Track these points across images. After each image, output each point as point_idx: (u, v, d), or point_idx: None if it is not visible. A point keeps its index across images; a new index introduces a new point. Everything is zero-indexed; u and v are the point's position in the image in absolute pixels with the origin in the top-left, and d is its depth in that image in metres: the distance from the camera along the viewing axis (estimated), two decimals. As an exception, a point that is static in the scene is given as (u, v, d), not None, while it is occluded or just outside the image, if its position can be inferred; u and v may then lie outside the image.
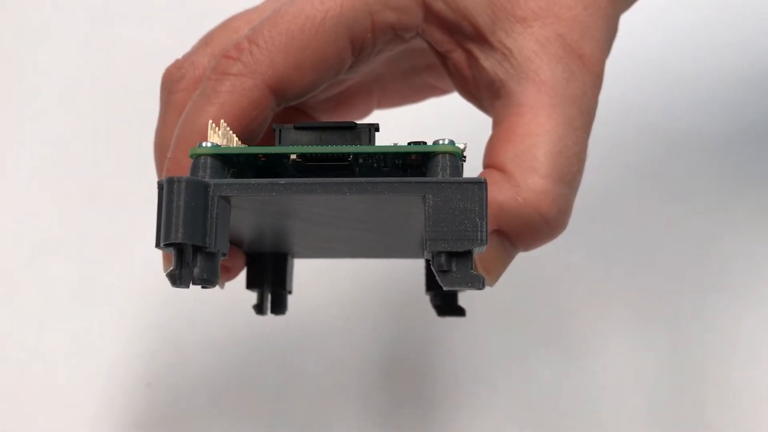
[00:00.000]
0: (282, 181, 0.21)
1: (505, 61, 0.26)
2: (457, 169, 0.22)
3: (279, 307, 0.32)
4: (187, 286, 0.22)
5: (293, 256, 0.32)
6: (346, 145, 0.22)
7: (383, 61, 0.31)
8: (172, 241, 0.21)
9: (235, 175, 0.23)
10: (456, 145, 0.22)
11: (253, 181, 0.21)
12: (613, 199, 0.44)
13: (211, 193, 0.21)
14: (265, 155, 0.22)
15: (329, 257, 0.35)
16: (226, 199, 0.22)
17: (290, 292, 0.32)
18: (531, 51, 0.26)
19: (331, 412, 0.40)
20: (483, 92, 0.28)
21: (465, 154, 0.23)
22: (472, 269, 0.21)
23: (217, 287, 0.30)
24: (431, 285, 0.32)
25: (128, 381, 0.40)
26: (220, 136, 0.23)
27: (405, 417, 0.40)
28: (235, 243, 0.30)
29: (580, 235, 0.42)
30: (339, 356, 0.41)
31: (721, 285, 0.42)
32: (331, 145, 0.22)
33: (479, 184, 0.21)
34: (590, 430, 0.39)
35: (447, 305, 0.31)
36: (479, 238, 0.21)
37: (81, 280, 0.43)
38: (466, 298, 0.33)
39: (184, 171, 0.24)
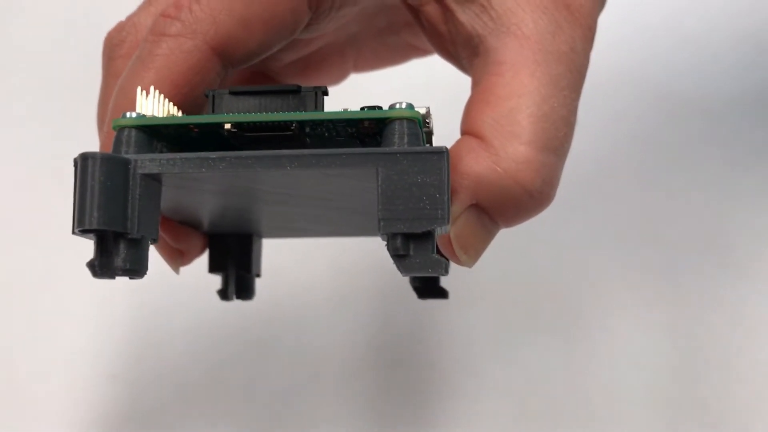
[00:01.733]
0: (213, 155, 0.18)
1: (484, 13, 0.23)
2: (417, 138, 0.19)
3: (245, 292, 0.29)
4: (111, 277, 0.19)
5: (260, 237, 0.30)
6: (289, 111, 0.20)
7: (356, 19, 0.28)
8: (87, 228, 0.18)
9: (168, 151, 0.21)
10: (415, 109, 0.19)
11: (179, 155, 0.18)
12: (608, 170, 0.41)
13: (132, 171, 0.19)
14: (197, 126, 0.20)
15: (298, 237, 0.32)
16: (153, 178, 0.19)
17: (258, 276, 0.30)
18: (512, 1, 0.23)
19: (309, 405, 0.38)
20: (460, 50, 0.25)
21: (429, 120, 0.20)
22: (433, 253, 0.18)
23: (173, 272, 0.28)
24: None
25: (91, 373, 0.38)
26: (150, 106, 0.20)
27: (387, 408, 0.38)
28: (192, 224, 0.27)
29: (572, 210, 0.39)
30: (316, 345, 0.39)
31: (726, 261, 0.39)
32: (273, 112, 0.19)
33: (439, 153, 0.18)
34: (583, 421, 0.37)
35: (428, 287, 0.29)
36: (440, 216, 0.18)
37: (43, 268, 0.41)
38: (448, 279, 0.30)
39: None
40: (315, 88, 0.20)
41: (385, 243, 0.18)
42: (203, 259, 0.29)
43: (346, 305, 0.39)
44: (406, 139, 0.19)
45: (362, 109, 0.19)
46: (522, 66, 0.23)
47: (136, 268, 0.19)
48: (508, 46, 0.23)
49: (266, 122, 0.19)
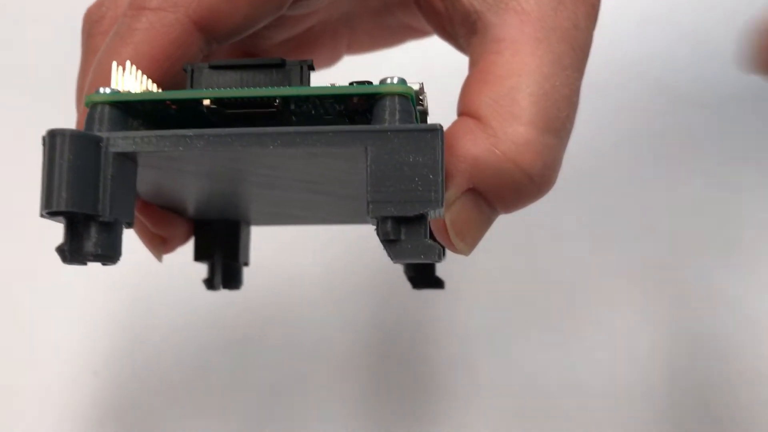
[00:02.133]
0: (190, 132, 0.17)
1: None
2: (409, 115, 0.18)
3: (232, 281, 0.28)
4: (82, 263, 0.18)
5: (248, 224, 0.29)
6: (273, 86, 0.18)
7: None
8: (54, 209, 0.17)
9: (145, 129, 0.19)
10: (408, 85, 0.18)
11: (153, 133, 0.17)
12: (609, 159, 0.40)
13: (104, 150, 0.17)
14: (174, 102, 0.18)
15: (288, 224, 0.31)
16: (127, 157, 0.18)
17: (246, 264, 0.28)
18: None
19: (298, 403, 0.36)
20: (458, 28, 0.24)
21: (423, 97, 0.19)
22: (426, 238, 0.17)
23: (156, 261, 0.27)
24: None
25: (72, 368, 0.37)
26: (127, 82, 0.19)
27: (377, 405, 0.37)
28: (175, 209, 0.26)
29: (571, 200, 0.38)
30: (305, 340, 0.37)
31: (728, 256, 0.38)
32: (256, 87, 0.18)
33: (433, 131, 0.17)
34: (580, 419, 0.35)
35: (423, 276, 0.28)
36: (433, 198, 0.17)
37: (22, 259, 0.40)
38: (442, 269, 0.29)
39: None
40: (300, 61, 0.18)
41: (375, 227, 0.17)
42: (189, 252, 0.28)
43: (336, 298, 0.38)
44: (397, 116, 0.17)
45: (351, 84, 0.18)
46: (522, 43, 0.22)
47: (109, 254, 0.18)
48: (508, 23, 0.22)
49: (248, 98, 0.18)
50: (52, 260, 0.42)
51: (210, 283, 0.28)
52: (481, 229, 0.23)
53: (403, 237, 0.17)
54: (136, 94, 0.19)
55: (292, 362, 0.37)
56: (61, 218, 0.18)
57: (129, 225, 0.18)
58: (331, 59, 0.30)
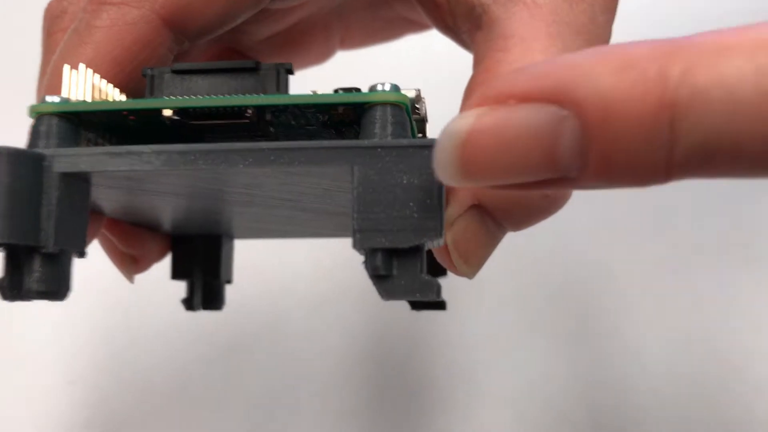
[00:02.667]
0: (147, 148, 0.15)
1: None
2: (403, 127, 0.15)
3: (213, 301, 0.26)
4: (24, 299, 0.15)
5: (232, 238, 0.26)
6: (245, 94, 0.16)
7: None
8: None
9: (103, 144, 0.17)
10: (402, 92, 0.15)
11: (103, 150, 0.15)
12: None
13: (47, 170, 0.15)
14: (132, 112, 0.16)
15: (272, 238, 0.29)
16: (77, 177, 0.15)
17: (229, 282, 0.26)
18: None
19: (286, 413, 0.34)
20: (461, 22, 0.22)
21: (420, 105, 0.17)
22: (422, 273, 0.15)
23: (128, 282, 0.24)
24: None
25: (48, 379, 0.34)
26: (80, 88, 0.17)
27: (373, 417, 0.34)
28: (148, 225, 0.23)
29: (579, 201, 0.35)
30: (296, 348, 0.35)
31: (745, 259, 0.35)
32: (226, 94, 0.16)
33: (430, 148, 0.14)
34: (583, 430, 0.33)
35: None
36: (432, 227, 0.14)
37: None
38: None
39: None
40: (277, 65, 0.16)
41: (363, 260, 0.15)
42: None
43: (330, 303, 0.36)
44: (389, 130, 0.15)
45: (336, 91, 0.16)
46: (533, 40, 0.19)
47: (54, 290, 0.15)
48: (517, 17, 0.20)
49: (215, 107, 0.15)
50: None
51: (189, 304, 0.25)
52: (488, 250, 0.20)
53: (395, 272, 0.15)
54: (87, 103, 0.16)
55: (283, 370, 0.35)
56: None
57: (81, 255, 0.16)
58: (323, 55, 0.27)
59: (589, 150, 0.13)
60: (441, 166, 0.13)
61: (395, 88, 0.15)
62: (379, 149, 0.14)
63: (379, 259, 0.14)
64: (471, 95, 0.19)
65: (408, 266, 0.15)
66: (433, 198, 0.14)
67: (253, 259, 0.31)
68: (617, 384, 0.34)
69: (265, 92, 0.16)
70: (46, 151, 0.15)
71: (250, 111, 0.15)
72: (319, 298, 0.36)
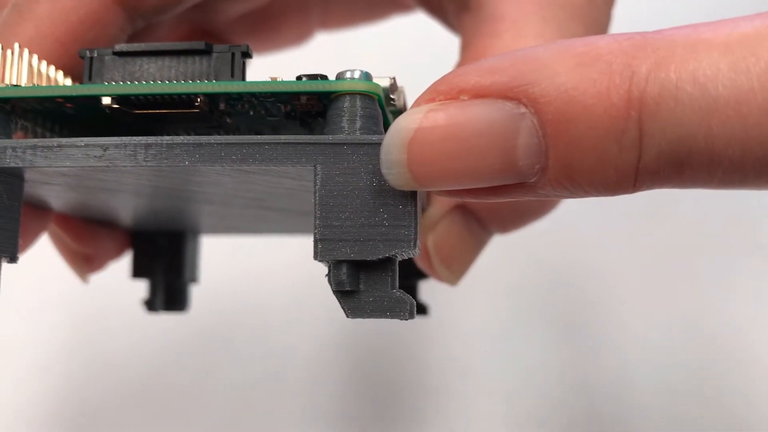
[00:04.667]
0: (80, 141, 0.13)
1: None
2: (374, 121, 0.13)
3: (176, 302, 0.24)
4: None
5: (197, 234, 0.24)
6: (196, 80, 0.14)
7: None
8: None
9: (36, 135, 0.15)
10: (374, 80, 0.13)
11: (26, 142, 0.13)
12: None
13: None
14: (67, 99, 0.14)
15: (240, 234, 0.27)
16: (7, 173, 0.13)
17: (194, 281, 0.24)
18: None
19: (267, 402, 0.32)
20: (447, 2, 0.20)
21: (396, 96, 0.15)
22: (393, 289, 0.13)
23: (82, 281, 0.23)
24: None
25: (22, 368, 0.33)
26: (14, 71, 0.15)
27: (367, 410, 0.33)
28: (104, 221, 0.21)
29: None
30: (281, 339, 0.33)
31: (749, 247, 0.34)
32: (173, 80, 0.14)
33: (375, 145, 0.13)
34: (586, 425, 0.32)
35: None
36: (404, 236, 0.12)
37: None
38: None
39: None
40: (231, 47, 0.14)
41: (326, 273, 0.13)
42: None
43: (318, 298, 0.34)
44: (358, 123, 0.13)
45: (299, 78, 0.14)
46: (525, 23, 0.18)
47: None
48: None
49: (160, 95, 0.13)
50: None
51: (150, 305, 0.23)
52: (472, 255, 0.19)
53: (362, 287, 0.13)
54: (16, 88, 0.14)
55: (269, 358, 0.33)
56: None
57: (11, 260, 0.14)
58: (301, 37, 0.25)
59: (549, 152, 0.11)
60: (386, 167, 0.12)
61: (366, 76, 0.13)
62: (345, 146, 0.13)
63: (344, 272, 0.13)
64: None
65: (377, 281, 0.13)
66: (407, 203, 0.12)
67: (233, 249, 0.29)
68: (614, 374, 0.32)
69: (217, 78, 0.14)
70: None
71: (199, 99, 0.13)
72: (308, 289, 0.34)
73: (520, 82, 0.11)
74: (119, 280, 0.25)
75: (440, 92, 0.12)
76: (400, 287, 0.22)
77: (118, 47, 0.14)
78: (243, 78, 0.14)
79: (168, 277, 0.23)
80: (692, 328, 0.33)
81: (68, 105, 0.14)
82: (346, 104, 0.13)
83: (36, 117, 0.15)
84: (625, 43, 0.11)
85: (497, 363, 0.33)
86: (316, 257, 0.13)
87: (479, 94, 0.12)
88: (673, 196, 0.34)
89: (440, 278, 0.19)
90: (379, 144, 0.12)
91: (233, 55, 0.14)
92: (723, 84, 0.11)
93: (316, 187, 0.12)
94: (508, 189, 0.12)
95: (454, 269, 0.19)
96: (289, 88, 0.13)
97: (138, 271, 0.23)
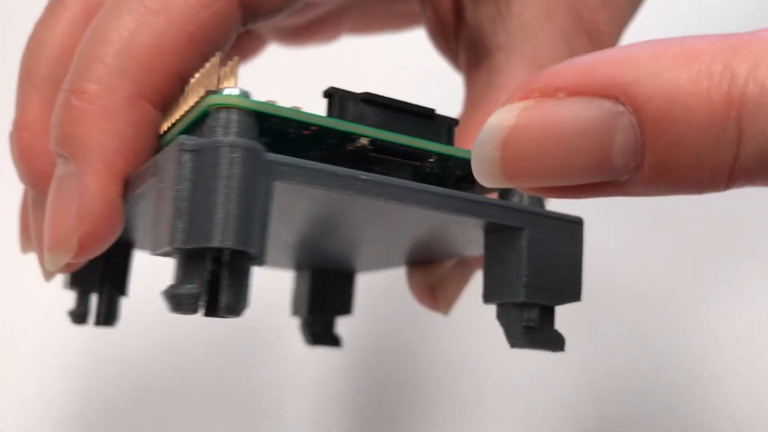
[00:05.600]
0: (364, 175, 0.14)
1: (499, 20, 0.21)
2: (540, 200, 0.17)
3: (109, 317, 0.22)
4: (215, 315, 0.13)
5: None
6: (422, 138, 0.16)
7: None
8: (211, 244, 0.12)
9: None
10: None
11: (311, 164, 0.14)
12: None
13: (266, 174, 0.13)
14: (320, 128, 0.15)
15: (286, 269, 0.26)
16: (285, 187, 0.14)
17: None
18: (532, 17, 0.20)
19: (282, 400, 0.32)
20: (462, 49, 0.22)
21: None
22: (554, 328, 0.17)
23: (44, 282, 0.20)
24: (315, 304, 0.25)
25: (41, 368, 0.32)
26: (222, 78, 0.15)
27: (379, 411, 0.32)
28: None
29: None
30: (293, 339, 0.31)
31: (754, 250, 0.33)
32: (406, 134, 0.16)
33: (579, 224, 0.17)
34: (593, 424, 0.32)
35: (324, 332, 0.26)
36: (575, 292, 0.17)
37: None
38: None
39: (103, 121, 0.16)
40: (449, 119, 0.17)
41: (498, 311, 0.17)
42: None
43: None
44: (526, 200, 0.17)
45: None
46: None
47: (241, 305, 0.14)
48: (517, 69, 0.21)
49: (409, 147, 0.16)
50: (21, 257, 0.33)
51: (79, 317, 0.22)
52: (462, 289, 0.23)
53: (539, 326, 0.17)
54: (282, 108, 0.15)
55: (284, 359, 0.32)
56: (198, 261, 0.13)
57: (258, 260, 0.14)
58: (330, 39, 0.26)
59: (646, 150, 0.11)
60: (480, 164, 0.12)
61: None
62: (546, 218, 0.16)
63: (536, 312, 0.16)
64: (465, 134, 0.20)
65: (548, 322, 0.17)
66: (578, 267, 0.17)
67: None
68: (624, 376, 0.32)
69: (437, 140, 0.16)
70: (271, 156, 0.13)
71: (432, 158, 0.16)
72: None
73: (618, 80, 0.11)
74: (140, 282, 0.22)
75: (536, 90, 0.12)
76: (322, 322, 0.25)
77: (366, 95, 0.16)
78: (452, 144, 0.17)
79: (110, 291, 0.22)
80: (698, 329, 0.32)
81: (305, 132, 0.15)
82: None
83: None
84: (722, 44, 0.11)
85: (508, 365, 0.32)
86: (521, 297, 0.16)
87: (577, 92, 0.12)
88: (680, 202, 0.32)
89: (437, 310, 0.23)
90: (564, 220, 0.17)
91: (450, 125, 0.17)
92: None
93: (525, 246, 0.16)
94: (598, 187, 0.12)
95: (451, 303, 0.23)
96: None
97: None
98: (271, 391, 0.34)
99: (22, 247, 0.21)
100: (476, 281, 0.30)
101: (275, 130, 0.15)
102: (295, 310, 0.26)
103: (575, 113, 0.12)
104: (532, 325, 0.16)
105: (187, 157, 0.13)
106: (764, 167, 0.11)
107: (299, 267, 0.25)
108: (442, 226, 0.17)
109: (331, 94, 0.15)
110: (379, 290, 0.35)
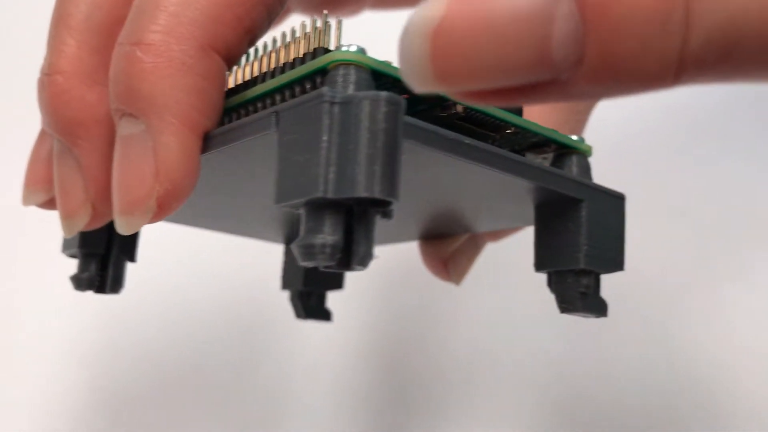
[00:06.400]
0: (466, 140, 0.15)
1: None
2: (589, 171, 0.19)
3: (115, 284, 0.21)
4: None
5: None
6: (509, 113, 0.17)
7: None
8: (360, 194, 0.13)
9: None
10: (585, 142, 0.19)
11: (441, 131, 0.14)
12: (632, 134, 0.34)
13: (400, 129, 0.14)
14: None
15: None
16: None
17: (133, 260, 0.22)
18: None
19: (297, 394, 0.32)
20: None
21: None
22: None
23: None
24: (310, 278, 0.25)
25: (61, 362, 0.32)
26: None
27: (394, 403, 0.32)
28: None
29: (601, 178, 0.34)
30: (314, 332, 0.31)
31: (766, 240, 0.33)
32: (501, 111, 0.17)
33: (622, 199, 0.18)
34: (609, 414, 0.32)
35: (317, 306, 0.26)
36: (620, 261, 0.18)
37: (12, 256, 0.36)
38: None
39: (175, 74, 0.15)
40: None
41: (552, 278, 0.18)
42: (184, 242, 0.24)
43: (344, 293, 0.31)
44: (582, 172, 0.18)
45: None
46: None
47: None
48: None
49: (497, 117, 0.16)
50: (38, 255, 0.35)
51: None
52: (474, 260, 0.24)
53: (591, 292, 0.18)
54: (392, 66, 0.15)
55: (298, 355, 0.32)
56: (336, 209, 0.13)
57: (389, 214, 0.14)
58: (353, 12, 0.26)
59: (588, 40, 0.10)
60: (408, 62, 0.11)
61: (581, 140, 0.19)
62: (600, 192, 0.18)
63: (591, 279, 0.18)
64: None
65: (597, 289, 0.18)
66: (622, 238, 0.18)
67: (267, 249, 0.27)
68: (641, 365, 0.32)
69: (511, 113, 0.17)
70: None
71: (510, 130, 0.17)
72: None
73: None
74: (154, 275, 0.21)
75: None
76: (316, 296, 0.26)
77: None
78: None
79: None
80: (717, 321, 0.32)
81: (405, 96, 0.15)
82: (577, 159, 0.18)
83: None
84: None
85: (521, 355, 0.32)
86: (580, 264, 0.17)
87: None
88: (694, 194, 0.33)
89: (450, 280, 0.24)
90: (611, 195, 0.18)
91: None
92: None
93: (584, 217, 0.17)
94: (539, 89, 0.11)
95: (462, 274, 0.24)
96: (561, 139, 0.18)
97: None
98: (287, 383, 0.34)
99: (25, 199, 0.20)
100: (486, 270, 0.29)
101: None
102: (287, 284, 0.26)
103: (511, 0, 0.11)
104: (585, 291, 0.18)
105: (335, 108, 0.13)
106: (714, 54, 0.10)
107: (290, 240, 0.25)
108: (497, 197, 0.18)
109: None
110: (392, 283, 0.35)
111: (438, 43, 0.10)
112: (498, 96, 0.11)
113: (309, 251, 0.13)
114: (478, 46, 0.10)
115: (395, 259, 0.31)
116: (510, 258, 0.27)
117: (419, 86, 0.11)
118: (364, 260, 0.13)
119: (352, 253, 0.13)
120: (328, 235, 0.13)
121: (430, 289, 0.30)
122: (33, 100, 0.18)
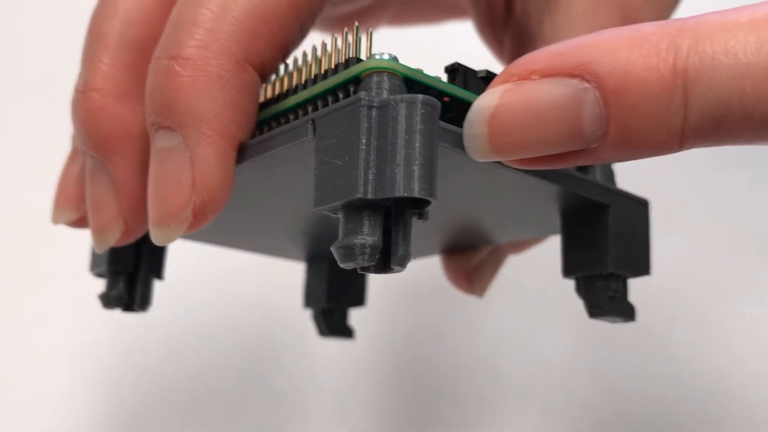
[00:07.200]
0: None
1: (547, 12, 0.22)
2: (613, 178, 0.19)
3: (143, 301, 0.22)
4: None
5: None
6: None
7: None
8: (399, 194, 0.13)
9: None
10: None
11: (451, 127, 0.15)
12: None
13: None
14: (454, 100, 0.16)
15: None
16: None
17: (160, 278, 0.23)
18: (579, 12, 0.22)
19: (305, 406, 0.32)
20: (507, 39, 0.24)
21: None
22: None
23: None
24: (333, 296, 0.25)
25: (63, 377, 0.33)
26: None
27: (398, 416, 0.32)
28: None
29: None
30: (318, 346, 0.31)
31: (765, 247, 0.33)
32: None
33: (646, 205, 0.19)
34: (610, 425, 0.32)
35: (340, 324, 0.26)
36: (646, 266, 0.18)
37: (21, 267, 0.36)
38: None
39: (212, 88, 0.16)
40: None
41: (580, 283, 0.18)
42: (188, 254, 0.24)
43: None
44: (600, 176, 0.19)
45: None
46: None
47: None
48: None
49: None
50: (46, 266, 0.37)
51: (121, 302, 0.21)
52: (497, 271, 0.24)
53: (620, 296, 0.18)
54: (425, 75, 0.15)
55: (304, 366, 0.32)
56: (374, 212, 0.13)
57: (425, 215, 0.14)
58: (371, 29, 0.26)
59: (610, 118, 0.13)
60: (469, 140, 0.14)
61: None
62: (623, 197, 0.18)
63: (620, 283, 0.18)
64: None
65: (625, 293, 0.18)
66: (647, 242, 0.19)
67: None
68: (641, 376, 0.32)
69: None
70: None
71: None
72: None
73: (583, 61, 0.13)
74: (163, 293, 0.21)
75: (513, 74, 0.14)
76: (338, 314, 0.26)
77: (486, 72, 0.16)
78: None
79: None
80: (718, 331, 0.32)
81: (445, 99, 0.16)
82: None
83: None
84: (668, 27, 0.14)
85: (524, 366, 0.33)
86: (608, 268, 0.17)
87: (548, 73, 0.14)
88: (683, 202, 0.34)
89: (473, 293, 0.24)
90: (635, 200, 0.18)
91: None
92: (751, 52, 0.13)
93: (611, 223, 0.18)
94: (573, 155, 0.14)
95: (485, 286, 0.24)
96: None
97: None
98: (296, 392, 0.34)
99: (55, 218, 0.20)
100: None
101: None
102: (310, 302, 0.26)
103: (549, 91, 0.14)
104: (614, 295, 0.18)
105: (372, 112, 0.13)
106: (710, 125, 0.13)
107: (314, 258, 0.26)
108: (523, 204, 0.18)
109: (456, 69, 0.16)
110: (399, 295, 0.35)
111: (494, 125, 0.14)
112: (542, 162, 0.14)
113: (349, 252, 0.13)
114: (525, 127, 0.14)
115: (400, 274, 0.32)
116: (514, 274, 0.28)
117: (480, 158, 0.14)
118: (403, 261, 0.14)
119: (390, 254, 0.13)
120: (368, 236, 0.13)
121: (435, 302, 0.30)
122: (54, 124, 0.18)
